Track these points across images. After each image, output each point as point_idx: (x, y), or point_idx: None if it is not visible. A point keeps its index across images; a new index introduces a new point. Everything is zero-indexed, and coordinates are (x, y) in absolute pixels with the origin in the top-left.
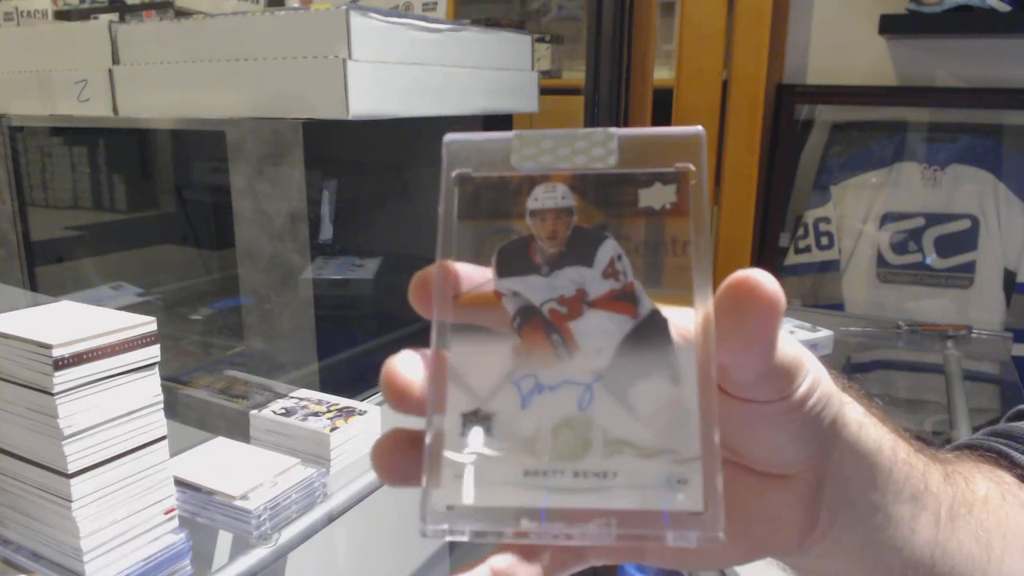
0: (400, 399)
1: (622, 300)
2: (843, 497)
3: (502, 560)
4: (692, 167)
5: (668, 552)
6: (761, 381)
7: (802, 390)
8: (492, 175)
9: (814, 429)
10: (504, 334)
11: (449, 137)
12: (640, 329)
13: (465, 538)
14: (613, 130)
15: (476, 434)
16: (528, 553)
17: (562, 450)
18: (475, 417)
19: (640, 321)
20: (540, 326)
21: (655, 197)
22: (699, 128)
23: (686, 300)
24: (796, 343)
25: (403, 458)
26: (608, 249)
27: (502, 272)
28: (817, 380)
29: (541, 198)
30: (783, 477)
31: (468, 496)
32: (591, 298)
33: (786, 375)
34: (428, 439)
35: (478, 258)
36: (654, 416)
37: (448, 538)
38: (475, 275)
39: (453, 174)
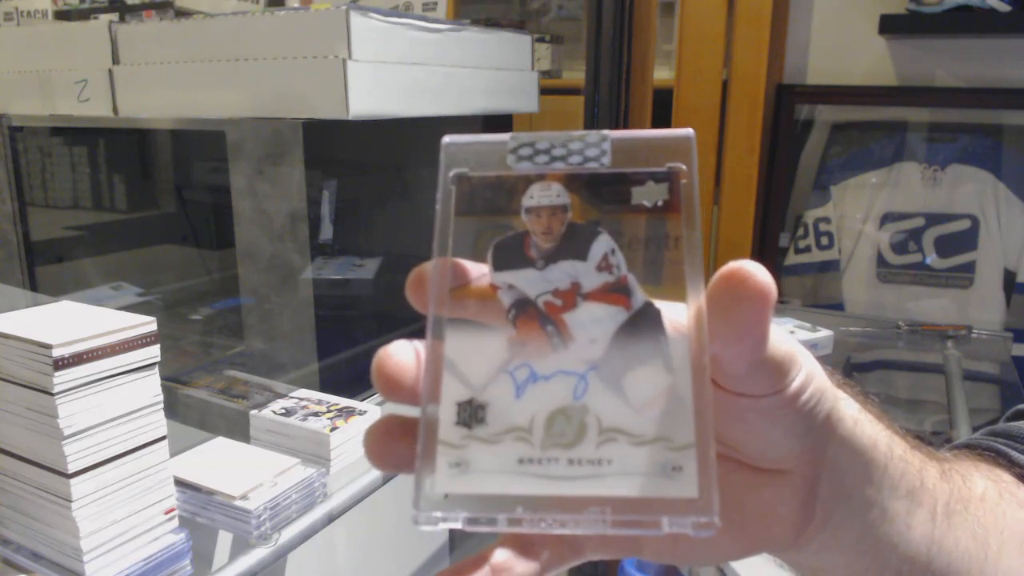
0: (391, 388)
1: (616, 292)
2: (839, 492)
3: (500, 555)
4: (684, 167)
5: (665, 544)
6: (753, 373)
7: (795, 385)
8: (489, 175)
9: (808, 424)
10: (499, 326)
11: (447, 139)
12: (634, 320)
13: (459, 525)
14: (607, 132)
15: (470, 422)
16: (526, 548)
17: (556, 438)
18: (470, 406)
19: (634, 312)
20: (535, 317)
21: (648, 195)
22: (689, 130)
23: (679, 293)
24: (790, 338)
25: (395, 444)
26: (602, 244)
27: (498, 266)
28: (811, 375)
29: (537, 196)
30: (778, 472)
31: (462, 484)
32: (585, 291)
33: (779, 369)
34: (423, 427)
35: (474, 254)
36: (648, 404)
37: (441, 526)
38: (471, 270)
39: (451, 174)
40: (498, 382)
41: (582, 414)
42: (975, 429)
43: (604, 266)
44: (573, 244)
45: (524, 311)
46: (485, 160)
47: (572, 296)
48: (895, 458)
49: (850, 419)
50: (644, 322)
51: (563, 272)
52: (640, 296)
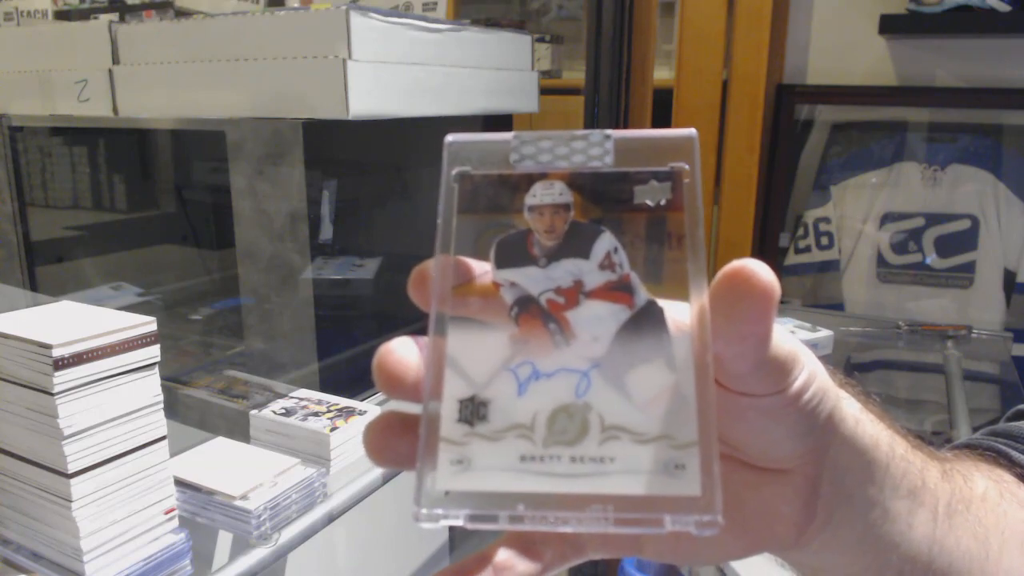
0: (392, 384)
1: (619, 291)
2: (840, 492)
3: (502, 554)
4: (686, 166)
5: (666, 543)
6: (756, 373)
7: (798, 384)
8: (491, 173)
9: (810, 423)
10: (502, 323)
11: (450, 137)
12: (637, 318)
13: (460, 523)
14: (610, 131)
15: (472, 420)
16: (528, 547)
17: (559, 436)
18: (472, 403)
19: (637, 311)
20: (537, 315)
21: (651, 194)
22: (692, 130)
23: (682, 292)
24: (792, 338)
25: (395, 440)
26: (605, 242)
27: (500, 263)
28: (813, 375)
29: (539, 194)
30: (780, 472)
31: (463, 481)
32: (588, 289)
33: (781, 368)
34: (424, 423)
35: (476, 252)
36: (651, 403)
37: (442, 523)
38: (474, 267)
39: (454, 172)
40: (500, 379)
41: (584, 412)
42: (975, 429)
43: (607, 264)
44: (576, 242)
45: (527, 309)
46: (488, 158)
47: (575, 294)
48: (897, 458)
49: (852, 419)
50: (647, 320)
51: (566, 270)
52: (643, 294)
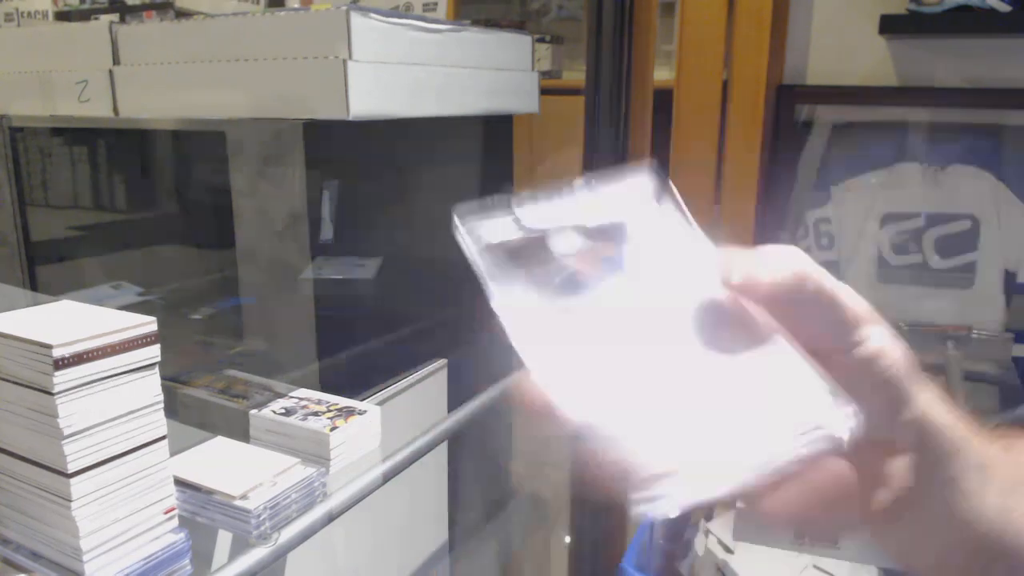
0: (529, 410)
1: (672, 283)
2: (922, 468)
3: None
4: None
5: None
6: (831, 329)
7: (873, 344)
8: (513, 239)
9: (896, 392)
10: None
11: (458, 216)
12: (700, 304)
13: (677, 511)
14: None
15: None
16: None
17: (706, 411)
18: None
19: (696, 297)
20: (620, 319)
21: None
22: (647, 173)
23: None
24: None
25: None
26: (633, 241)
27: (565, 302)
28: (892, 346)
29: (562, 245)
30: (875, 444)
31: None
32: (651, 296)
33: (854, 320)
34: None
35: (534, 303)
36: (759, 361)
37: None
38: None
39: (478, 247)
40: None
41: (714, 387)
42: None
43: (644, 260)
44: (614, 255)
45: (609, 325)
46: (501, 228)
47: (640, 292)
48: (965, 435)
49: (926, 396)
50: (711, 302)
51: (621, 276)
52: (700, 290)
